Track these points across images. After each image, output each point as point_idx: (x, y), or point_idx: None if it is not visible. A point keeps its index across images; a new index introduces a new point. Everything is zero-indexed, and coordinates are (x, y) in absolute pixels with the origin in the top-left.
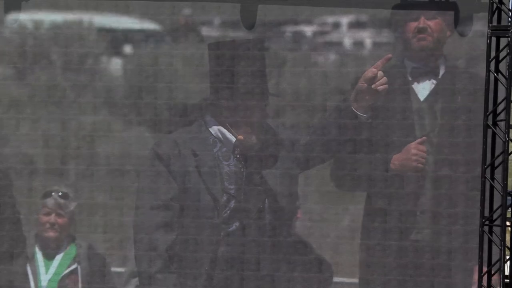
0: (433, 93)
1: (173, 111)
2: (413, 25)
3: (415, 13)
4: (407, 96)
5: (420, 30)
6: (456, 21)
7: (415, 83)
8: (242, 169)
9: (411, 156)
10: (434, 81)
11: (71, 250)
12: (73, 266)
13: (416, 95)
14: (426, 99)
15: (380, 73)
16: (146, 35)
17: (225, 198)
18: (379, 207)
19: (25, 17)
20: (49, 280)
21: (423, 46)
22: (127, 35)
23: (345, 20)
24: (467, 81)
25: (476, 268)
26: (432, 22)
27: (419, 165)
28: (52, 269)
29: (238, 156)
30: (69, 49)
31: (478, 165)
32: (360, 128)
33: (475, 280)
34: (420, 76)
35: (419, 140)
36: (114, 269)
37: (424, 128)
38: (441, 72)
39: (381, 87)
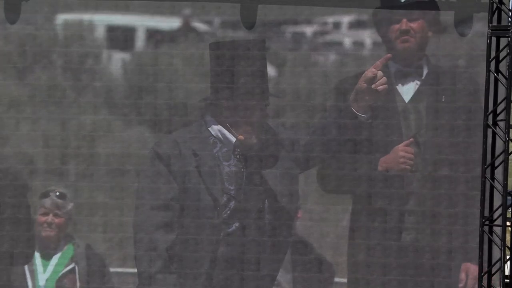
0: (417, 94)
1: (173, 111)
2: (396, 27)
3: (398, 14)
4: (392, 98)
5: (403, 32)
6: (438, 21)
7: (400, 85)
8: (242, 170)
9: (398, 158)
10: (418, 82)
11: (69, 249)
12: (71, 266)
13: (400, 96)
14: (411, 100)
15: (380, 73)
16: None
17: (225, 198)
18: (366, 207)
19: (25, 17)
20: (47, 280)
21: (406, 48)
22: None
23: (345, 20)
24: (467, 81)
25: (464, 267)
26: (414, 24)
27: (407, 167)
28: (50, 269)
29: (238, 157)
30: (70, 49)
31: (478, 165)
32: (360, 128)
33: (462, 279)
34: (404, 78)
35: (406, 142)
36: (114, 269)
37: (410, 130)
38: (425, 72)
39: (381, 87)
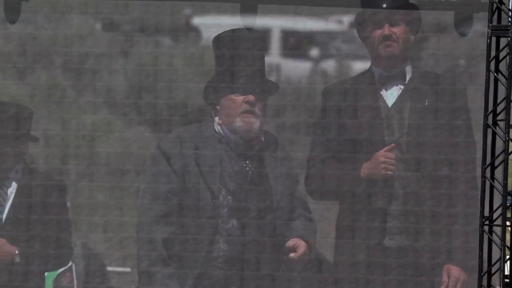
0: (401, 98)
1: (173, 111)
2: (378, 32)
3: (381, 19)
4: (376, 103)
5: (386, 38)
6: (419, 24)
7: (383, 90)
8: (247, 168)
9: (379, 164)
10: (402, 86)
11: None
12: (68, 264)
13: (384, 101)
14: (394, 104)
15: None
16: (331, 36)
17: (226, 196)
18: (353, 208)
19: (25, 17)
20: (44, 279)
21: (389, 53)
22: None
23: (345, 20)
24: (467, 81)
25: (445, 268)
26: (396, 29)
27: (388, 172)
28: None
29: (241, 156)
30: (70, 49)
31: (478, 165)
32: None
33: (444, 280)
34: (388, 82)
35: (387, 147)
36: (113, 268)
37: (394, 134)
38: (408, 76)
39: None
